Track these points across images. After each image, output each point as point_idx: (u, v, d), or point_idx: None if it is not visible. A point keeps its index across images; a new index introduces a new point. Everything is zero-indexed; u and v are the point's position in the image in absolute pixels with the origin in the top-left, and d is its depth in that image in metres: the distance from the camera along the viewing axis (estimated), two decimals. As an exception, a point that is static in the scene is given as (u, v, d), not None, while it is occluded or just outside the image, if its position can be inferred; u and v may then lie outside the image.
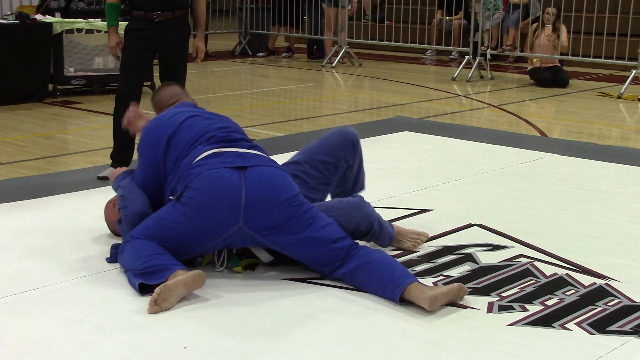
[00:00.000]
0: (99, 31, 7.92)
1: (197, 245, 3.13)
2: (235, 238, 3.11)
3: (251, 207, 3.04)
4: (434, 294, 2.89)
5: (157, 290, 2.87)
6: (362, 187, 3.75)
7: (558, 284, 3.17)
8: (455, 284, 2.99)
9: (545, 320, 2.84)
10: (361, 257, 3.12)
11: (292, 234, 3.10)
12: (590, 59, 9.61)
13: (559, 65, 9.61)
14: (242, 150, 3.22)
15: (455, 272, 3.27)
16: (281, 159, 3.60)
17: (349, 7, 11.42)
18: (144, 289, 2.99)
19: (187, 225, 3.07)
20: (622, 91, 8.60)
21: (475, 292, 3.07)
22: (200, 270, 2.99)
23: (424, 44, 11.91)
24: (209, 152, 3.18)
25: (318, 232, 3.12)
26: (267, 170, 3.15)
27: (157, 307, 2.86)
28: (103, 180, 4.63)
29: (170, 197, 3.17)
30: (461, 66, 9.94)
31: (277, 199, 3.08)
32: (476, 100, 8.53)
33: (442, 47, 11.78)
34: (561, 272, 3.30)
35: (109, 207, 3.63)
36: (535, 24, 9.72)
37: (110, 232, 3.65)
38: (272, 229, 3.09)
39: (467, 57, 9.97)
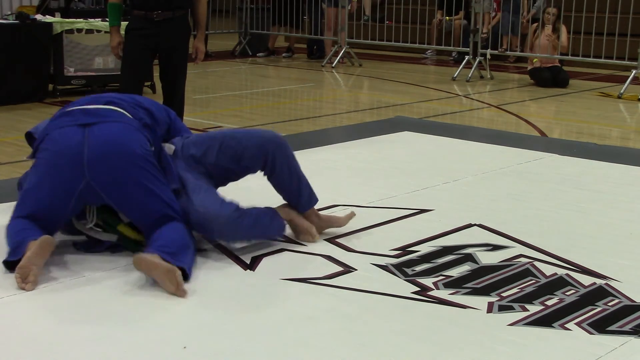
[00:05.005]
0: (99, 31, 7.92)
1: (56, 207, 3.21)
2: (88, 195, 3.20)
3: (94, 162, 3.15)
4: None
5: (15, 275, 3.00)
6: (314, 200, 3.65)
7: (558, 284, 3.17)
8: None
9: (545, 320, 2.84)
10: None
11: (129, 190, 3.19)
12: (590, 59, 9.62)
13: (559, 65, 9.61)
14: (91, 107, 3.30)
15: (455, 272, 3.27)
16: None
17: (349, 7, 11.42)
18: (10, 266, 3.09)
19: (41, 183, 3.20)
20: (622, 91, 8.61)
21: (475, 292, 3.07)
22: (46, 235, 3.08)
23: (424, 44, 11.91)
24: (60, 112, 3.33)
25: (157, 188, 3.21)
26: (112, 127, 3.23)
27: (28, 286, 2.98)
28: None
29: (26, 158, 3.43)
30: (461, 66, 9.94)
31: (120, 153, 3.17)
32: (476, 100, 8.53)
33: (442, 47, 11.79)
34: (561, 272, 3.30)
35: None
36: (535, 24, 9.73)
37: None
38: (116, 185, 3.19)
39: (467, 57, 9.97)
